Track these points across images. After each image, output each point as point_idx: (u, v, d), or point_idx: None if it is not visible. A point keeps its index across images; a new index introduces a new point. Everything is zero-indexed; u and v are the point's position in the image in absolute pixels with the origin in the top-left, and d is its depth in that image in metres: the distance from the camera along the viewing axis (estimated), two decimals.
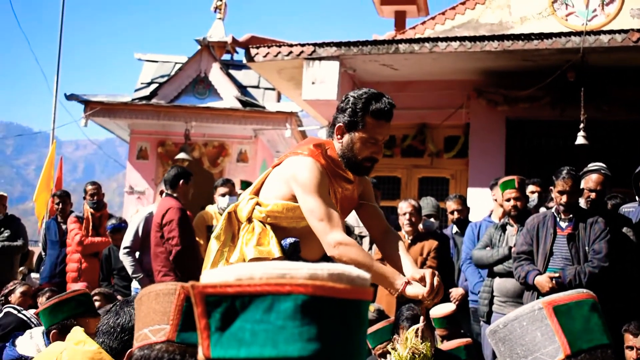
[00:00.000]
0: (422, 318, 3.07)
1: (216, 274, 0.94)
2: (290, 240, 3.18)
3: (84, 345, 2.40)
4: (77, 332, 2.53)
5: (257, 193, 3.36)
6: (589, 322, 1.68)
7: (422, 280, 2.95)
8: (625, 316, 4.84)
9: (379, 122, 3.18)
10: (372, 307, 6.22)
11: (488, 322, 6.05)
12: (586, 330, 1.67)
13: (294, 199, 3.16)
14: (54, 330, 3.64)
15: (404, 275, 3.08)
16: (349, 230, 6.94)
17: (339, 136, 3.25)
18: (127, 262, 6.78)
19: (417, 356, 2.98)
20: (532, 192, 6.65)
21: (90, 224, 8.00)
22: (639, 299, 5.29)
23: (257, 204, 3.26)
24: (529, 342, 1.68)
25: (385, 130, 3.22)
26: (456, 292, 6.73)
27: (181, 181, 6.68)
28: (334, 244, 3.02)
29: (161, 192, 6.99)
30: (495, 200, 6.73)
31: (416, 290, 2.94)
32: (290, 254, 3.17)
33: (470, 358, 5.10)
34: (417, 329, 3.02)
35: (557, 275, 5.16)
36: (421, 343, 2.98)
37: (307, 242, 3.23)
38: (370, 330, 5.15)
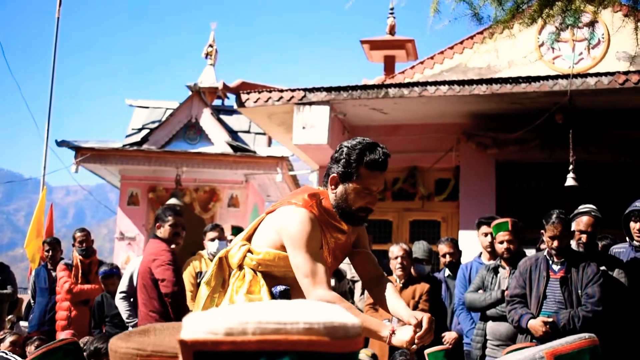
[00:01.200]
0: None
1: (203, 319, 0.93)
2: (280, 288, 3.16)
3: None
4: None
5: (249, 239, 3.34)
6: None
7: (419, 323, 2.92)
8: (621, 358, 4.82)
9: (373, 173, 3.16)
10: (367, 352, 6.17)
11: None
12: None
13: (285, 248, 3.15)
14: None
15: (400, 317, 3.07)
16: (341, 275, 6.93)
17: (332, 186, 3.23)
18: (122, 307, 6.74)
19: None
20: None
21: (80, 271, 7.93)
22: (633, 341, 5.27)
23: (249, 251, 3.24)
24: None
25: (379, 180, 3.21)
26: (449, 336, 6.68)
27: (169, 218, 6.62)
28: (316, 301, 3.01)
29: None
30: (485, 235, 6.68)
31: (401, 338, 2.91)
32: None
33: None
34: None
35: (550, 320, 5.14)
36: None
37: (299, 290, 3.21)
38: None
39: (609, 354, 4.93)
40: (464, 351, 6.54)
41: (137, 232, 13.81)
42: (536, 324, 5.16)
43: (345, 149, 3.19)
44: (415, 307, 6.59)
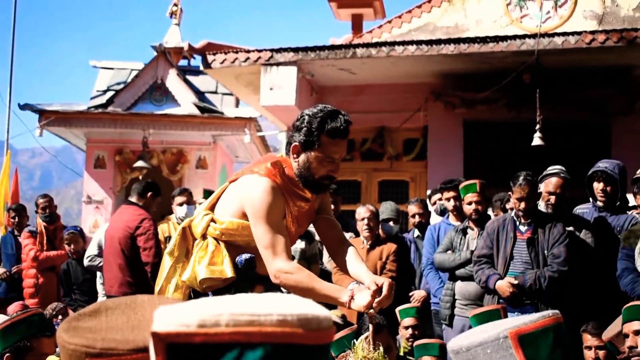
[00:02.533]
0: (370, 327, 3.05)
1: (176, 311, 0.91)
2: (245, 256, 3.16)
3: None
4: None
5: (212, 208, 3.32)
6: (553, 352, 1.68)
7: (379, 288, 2.92)
8: (584, 317, 4.91)
9: (334, 141, 3.14)
10: (337, 313, 6.22)
11: (450, 325, 6.10)
12: None
13: (247, 217, 3.14)
14: (8, 354, 3.56)
15: (362, 282, 3.08)
16: (311, 237, 6.93)
17: (295, 155, 3.20)
18: (96, 263, 6.77)
19: None
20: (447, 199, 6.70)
21: (45, 237, 7.85)
22: (597, 301, 5.36)
23: (212, 220, 3.22)
24: None
25: (341, 148, 3.18)
26: (418, 294, 6.76)
27: (150, 193, 6.68)
28: (275, 272, 3.04)
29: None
30: (447, 200, 6.72)
31: (360, 302, 2.91)
32: (246, 270, 3.15)
33: (442, 357, 5.14)
34: (367, 337, 3.01)
35: (516, 282, 5.21)
36: (373, 352, 2.96)
37: (262, 260, 3.21)
38: (334, 338, 5.16)
39: (575, 314, 5.03)
40: (431, 310, 6.62)
41: (105, 195, 13.65)
42: (503, 285, 5.22)
43: (306, 117, 3.17)
44: (382, 268, 6.65)
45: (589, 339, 4.70)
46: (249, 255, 3.16)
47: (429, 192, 8.78)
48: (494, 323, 1.80)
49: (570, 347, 1.76)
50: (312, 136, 3.13)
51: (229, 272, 3.10)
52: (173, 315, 0.90)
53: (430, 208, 7.66)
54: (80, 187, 16.85)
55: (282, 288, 3.64)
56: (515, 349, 1.66)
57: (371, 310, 2.91)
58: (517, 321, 1.73)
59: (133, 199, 6.69)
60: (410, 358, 5.56)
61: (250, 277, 3.19)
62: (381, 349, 2.98)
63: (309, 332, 0.88)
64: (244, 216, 3.15)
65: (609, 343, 4.29)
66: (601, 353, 4.56)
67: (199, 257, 3.15)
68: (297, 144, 3.18)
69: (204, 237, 3.22)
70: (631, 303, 3.86)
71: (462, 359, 1.75)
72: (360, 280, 3.11)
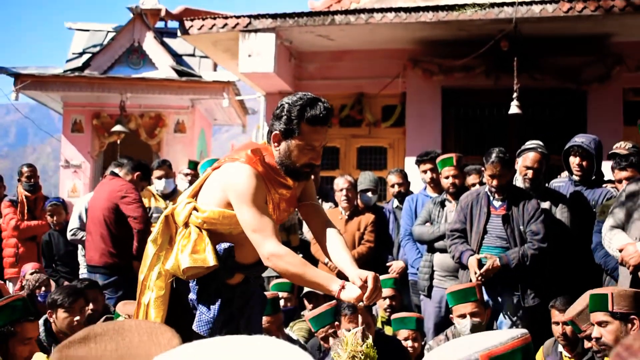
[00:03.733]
0: (360, 320, 3.12)
1: None
2: (224, 245, 3.20)
3: None
4: (38, 358, 2.51)
5: (194, 196, 3.35)
6: None
7: (364, 283, 2.98)
8: (559, 292, 5.03)
9: (315, 128, 3.16)
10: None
11: (429, 295, 6.21)
12: None
13: (230, 206, 3.17)
14: None
15: (346, 274, 3.12)
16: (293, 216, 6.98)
17: (275, 144, 3.23)
18: (79, 237, 6.81)
19: (357, 358, 3.04)
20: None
21: (25, 207, 7.85)
22: (572, 275, 5.49)
23: (195, 209, 3.25)
24: None
25: (322, 135, 3.20)
26: (396, 265, 6.84)
27: (138, 173, 6.73)
28: (267, 255, 3.07)
29: (105, 176, 6.95)
30: (424, 172, 6.77)
31: (350, 294, 2.96)
32: (225, 259, 3.19)
33: (419, 331, 5.26)
34: (357, 332, 3.07)
35: (483, 255, 5.30)
36: (361, 345, 3.03)
37: (243, 247, 3.25)
38: (313, 314, 5.26)
39: (550, 290, 5.15)
40: (409, 281, 6.72)
41: (83, 159, 13.60)
42: (472, 262, 5.32)
43: (286, 106, 3.18)
44: (360, 239, 6.73)
45: (556, 315, 4.81)
46: (228, 244, 3.20)
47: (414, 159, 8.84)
48: (464, 341, 1.87)
49: None
50: (292, 124, 3.15)
51: (211, 260, 3.14)
52: None
53: (415, 175, 7.67)
54: (56, 144, 16.75)
55: (262, 275, 3.70)
56: None
57: (361, 304, 2.96)
58: (488, 342, 1.80)
59: (120, 173, 6.70)
60: (388, 328, 5.67)
61: (229, 265, 3.24)
62: (370, 340, 3.05)
63: None
64: (227, 205, 3.18)
65: (571, 322, 4.39)
66: (568, 329, 4.66)
67: (181, 245, 3.19)
68: (277, 132, 3.21)
69: (186, 225, 3.25)
70: (596, 290, 3.94)
71: None
72: (344, 272, 3.14)
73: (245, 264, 3.33)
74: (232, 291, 3.32)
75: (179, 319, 3.22)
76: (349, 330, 3.31)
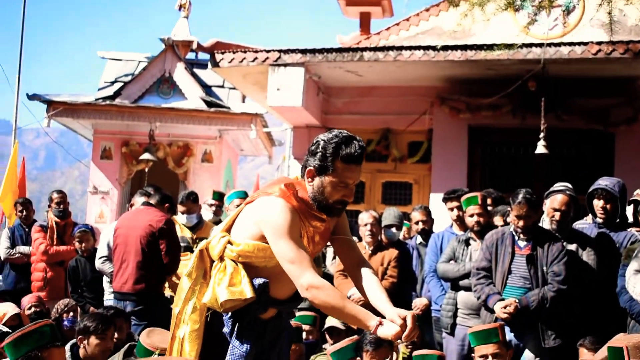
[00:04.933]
0: (395, 356, 3.16)
1: None
2: (259, 280, 3.22)
3: None
4: None
5: (228, 230, 3.40)
6: None
7: (403, 321, 2.99)
8: (586, 333, 5.02)
9: (349, 167, 3.18)
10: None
11: (452, 333, 6.19)
12: None
13: (264, 239, 3.20)
14: None
15: (383, 313, 3.15)
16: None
17: (309, 179, 3.26)
18: (106, 268, 6.87)
19: None
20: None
21: (55, 232, 7.98)
22: (600, 317, 5.46)
23: (229, 242, 3.30)
24: None
25: (356, 174, 3.23)
26: (420, 302, 6.84)
27: (167, 205, 6.85)
28: (307, 286, 3.08)
29: (132, 205, 7.05)
30: (451, 210, 6.80)
31: (388, 331, 2.99)
32: (259, 293, 3.22)
33: None
34: None
35: (512, 308, 5.30)
36: None
37: (278, 281, 3.28)
38: (335, 348, 5.27)
39: (578, 334, 5.13)
40: (432, 317, 6.72)
41: (111, 186, 13.78)
42: (498, 310, 5.33)
43: (321, 143, 3.21)
44: (384, 274, 6.75)
45: (585, 353, 4.81)
46: (262, 280, 3.24)
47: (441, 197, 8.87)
48: None
49: None
50: (327, 161, 3.18)
51: (248, 292, 3.16)
52: None
53: (438, 212, 7.71)
54: (84, 168, 16.97)
55: (294, 310, 3.72)
56: None
57: (399, 341, 2.99)
58: None
59: (152, 201, 6.81)
60: None
61: (263, 300, 3.27)
62: None
63: None
64: (261, 238, 3.21)
65: None
66: None
67: (218, 278, 3.21)
68: (311, 168, 3.24)
69: (221, 259, 3.28)
70: (612, 342, 3.93)
71: None
72: (380, 311, 3.16)
73: (279, 299, 3.36)
74: (265, 326, 3.35)
75: (213, 353, 3.25)
76: None
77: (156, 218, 6.51)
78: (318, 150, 3.21)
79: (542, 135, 8.59)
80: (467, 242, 6.24)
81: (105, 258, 6.91)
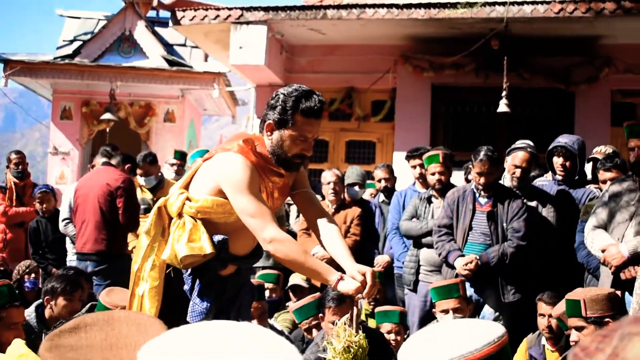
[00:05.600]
0: (355, 310, 3.17)
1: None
2: (219, 237, 3.23)
3: (27, 359, 2.42)
4: (18, 345, 2.54)
5: (186, 187, 3.38)
6: None
7: (363, 277, 3.03)
8: (545, 288, 5.10)
9: (308, 120, 3.20)
10: (302, 276, 6.36)
11: (414, 290, 6.24)
12: None
13: (222, 194, 3.20)
14: None
15: (343, 267, 3.17)
16: None
17: (268, 133, 3.27)
18: (69, 230, 6.80)
19: (352, 349, 3.10)
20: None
21: (14, 193, 7.87)
22: (553, 273, 5.56)
23: (188, 199, 3.28)
24: None
25: (315, 128, 3.25)
26: (382, 259, 6.90)
27: (128, 165, 6.76)
28: (269, 239, 3.09)
29: (94, 166, 6.98)
30: (414, 168, 6.83)
31: (348, 286, 3.03)
32: (219, 250, 3.22)
33: (402, 324, 5.31)
34: (350, 321, 3.12)
35: (472, 265, 5.35)
36: (355, 335, 3.09)
37: (237, 237, 3.29)
38: (297, 305, 5.31)
39: (537, 286, 5.22)
40: (394, 274, 6.78)
41: (71, 147, 13.57)
42: (459, 267, 5.39)
43: (281, 96, 3.23)
44: (346, 231, 6.79)
45: (543, 307, 4.89)
46: (222, 236, 3.23)
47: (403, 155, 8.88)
48: (441, 338, 1.90)
49: None
50: (286, 115, 3.19)
51: (207, 248, 3.16)
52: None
53: (402, 171, 7.74)
54: (45, 130, 16.70)
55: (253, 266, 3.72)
56: None
57: (359, 296, 3.02)
58: (463, 349, 1.83)
59: (113, 162, 6.74)
60: (372, 320, 5.73)
61: (223, 257, 3.27)
62: (361, 332, 3.10)
63: None
64: (219, 193, 3.21)
65: (558, 319, 4.47)
66: (553, 322, 4.74)
67: (177, 235, 3.20)
68: (271, 122, 3.25)
69: (180, 215, 3.27)
70: (571, 295, 4.01)
71: None
72: (341, 264, 3.19)
73: (238, 256, 3.37)
74: (225, 282, 3.36)
75: (173, 309, 3.25)
76: (335, 323, 3.37)
77: (114, 177, 6.47)
78: (278, 104, 3.22)
79: (504, 94, 8.63)
80: (429, 200, 6.28)
81: (67, 220, 6.85)
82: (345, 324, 3.12)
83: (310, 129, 3.24)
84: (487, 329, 1.90)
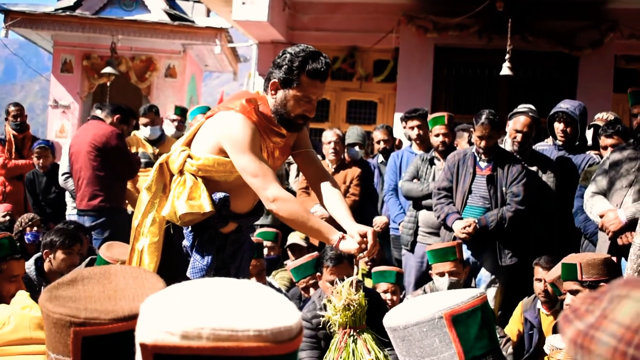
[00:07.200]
0: (355, 270, 3.21)
1: (160, 316, 1.02)
2: (220, 195, 3.24)
3: (31, 311, 2.45)
4: (22, 297, 2.56)
5: (188, 144, 3.38)
6: (481, 330, 1.86)
7: (363, 237, 3.06)
8: (543, 253, 5.14)
9: (314, 82, 3.21)
10: (301, 235, 6.39)
11: (412, 250, 6.27)
12: (479, 338, 1.85)
13: (224, 153, 3.20)
14: None
15: (344, 227, 3.20)
16: None
17: (273, 92, 3.27)
18: (69, 186, 6.80)
19: (352, 307, 3.14)
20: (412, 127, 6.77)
21: (13, 146, 7.86)
22: (547, 239, 5.59)
23: (189, 156, 3.29)
24: (427, 346, 1.87)
25: (319, 90, 3.26)
26: (380, 220, 6.92)
27: (117, 116, 6.67)
28: (272, 198, 3.12)
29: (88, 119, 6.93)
30: (412, 129, 6.78)
31: (349, 246, 3.06)
32: (220, 208, 3.24)
33: (399, 285, 5.37)
34: (352, 282, 3.17)
35: (471, 228, 5.37)
36: (355, 294, 3.13)
37: (237, 196, 3.30)
38: (295, 264, 5.35)
39: (534, 253, 5.26)
40: (390, 235, 6.81)
41: (72, 100, 13.53)
42: (458, 228, 5.41)
43: (288, 55, 3.23)
44: (346, 191, 6.80)
45: (539, 272, 4.94)
46: (223, 194, 3.25)
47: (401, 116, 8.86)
48: (427, 300, 1.96)
49: (493, 325, 1.94)
50: (292, 74, 3.20)
51: (207, 206, 3.17)
52: (157, 322, 1.02)
53: (403, 132, 7.72)
54: (45, 83, 16.61)
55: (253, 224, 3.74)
56: (449, 328, 1.84)
57: (361, 255, 3.05)
58: (449, 301, 1.89)
59: (101, 115, 6.68)
60: (368, 280, 5.77)
61: (224, 214, 3.29)
62: (361, 292, 3.13)
63: (280, 344, 1.01)
64: (221, 152, 3.22)
65: (551, 284, 4.51)
66: (549, 286, 4.79)
67: (177, 192, 3.22)
68: (276, 80, 3.25)
69: (181, 172, 3.28)
70: (567, 259, 4.04)
71: (398, 335, 1.91)
72: (341, 224, 3.22)
73: (239, 213, 3.39)
74: (225, 239, 3.39)
75: (172, 265, 3.29)
76: (333, 283, 3.40)
77: (100, 132, 6.43)
78: (284, 63, 3.22)
79: (507, 56, 8.58)
80: (431, 162, 6.27)
81: (67, 175, 6.84)
82: (351, 284, 3.16)
83: (315, 90, 3.25)
84: (468, 290, 1.98)
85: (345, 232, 3.15)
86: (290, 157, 3.74)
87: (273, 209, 3.14)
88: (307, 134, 3.66)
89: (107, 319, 1.41)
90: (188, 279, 3.20)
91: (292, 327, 1.03)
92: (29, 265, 4.81)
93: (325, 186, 3.42)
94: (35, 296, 3.13)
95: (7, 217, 6.58)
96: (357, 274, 3.25)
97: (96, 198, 6.38)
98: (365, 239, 3.05)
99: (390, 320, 1.95)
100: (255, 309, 1.05)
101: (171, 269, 3.23)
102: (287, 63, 3.21)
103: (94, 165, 6.39)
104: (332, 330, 3.51)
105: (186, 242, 3.30)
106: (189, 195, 3.20)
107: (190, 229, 3.28)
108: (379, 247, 3.13)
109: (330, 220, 3.38)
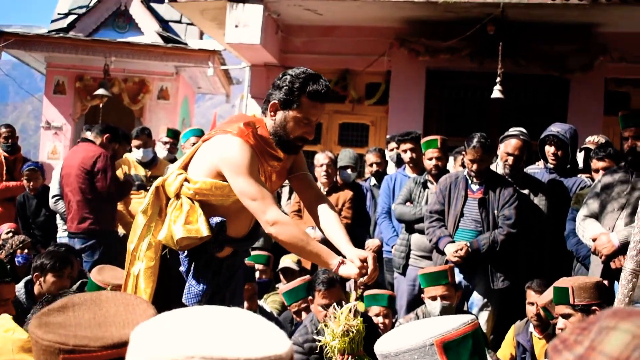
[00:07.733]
0: (354, 295, 3.20)
1: (150, 343, 1.01)
2: (217, 219, 3.23)
3: (14, 334, 2.43)
4: (5, 320, 2.54)
5: (185, 168, 3.37)
6: (472, 356, 1.86)
7: (364, 261, 3.05)
8: (535, 276, 5.14)
9: (314, 103, 3.23)
10: (293, 258, 6.37)
11: (403, 274, 6.28)
12: None
13: (221, 177, 3.19)
14: None
15: (340, 248, 3.19)
16: None
17: (272, 113, 3.28)
18: (59, 208, 6.78)
19: (350, 332, 3.13)
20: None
21: (4, 168, 7.83)
22: (539, 262, 5.60)
23: (186, 180, 3.27)
24: None
25: (319, 111, 3.28)
26: (372, 243, 6.92)
27: (107, 135, 6.67)
28: (271, 222, 3.11)
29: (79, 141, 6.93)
30: (404, 152, 6.81)
31: (350, 271, 3.05)
32: (217, 232, 3.22)
33: (391, 308, 5.35)
34: (350, 308, 3.16)
35: (463, 252, 5.37)
36: (353, 319, 3.12)
37: (234, 220, 3.29)
38: (287, 288, 5.33)
39: (526, 276, 5.26)
40: (383, 258, 6.81)
41: (64, 121, 13.51)
42: (450, 251, 5.41)
43: (288, 77, 3.25)
44: (338, 214, 6.80)
45: (532, 295, 4.93)
46: (220, 218, 3.23)
47: (388, 136, 8.87)
48: (418, 327, 1.96)
49: (484, 350, 1.94)
50: (293, 95, 3.22)
51: (204, 230, 3.16)
52: (146, 349, 1.01)
53: (388, 155, 7.76)
54: (37, 103, 16.60)
55: (248, 250, 3.73)
56: (440, 355, 1.83)
57: (362, 279, 3.05)
58: (441, 328, 1.88)
59: (90, 136, 6.68)
60: (360, 304, 5.76)
61: (220, 239, 3.27)
62: (360, 318, 3.12)
63: None
64: (218, 175, 3.21)
65: (544, 308, 4.51)
66: (542, 310, 4.78)
67: (174, 216, 3.20)
68: (276, 101, 3.26)
69: (177, 196, 3.27)
70: (559, 283, 4.05)
71: None
72: (340, 250, 3.21)
73: (235, 238, 3.37)
74: (221, 264, 3.38)
75: (168, 290, 3.27)
76: (325, 307, 3.38)
77: (89, 155, 6.44)
78: (284, 84, 3.24)
79: (498, 79, 8.62)
80: (424, 185, 6.28)
81: (58, 197, 6.82)
82: (349, 310, 3.15)
83: (315, 112, 3.27)
84: (460, 317, 1.97)
85: (343, 256, 3.14)
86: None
87: (272, 232, 3.13)
88: (303, 157, 3.66)
89: (96, 346, 1.40)
90: (183, 303, 3.20)
91: (282, 356, 1.03)
92: (19, 288, 4.78)
93: (323, 209, 3.41)
94: (24, 318, 3.11)
95: (10, 234, 6.55)
96: (356, 299, 3.24)
97: (86, 221, 6.38)
98: (365, 264, 3.05)
99: (381, 346, 1.94)
100: (246, 337, 1.04)
101: (167, 293, 3.22)
102: (288, 84, 3.22)
103: (82, 188, 6.39)
104: (328, 356, 3.49)
105: (182, 268, 3.28)
106: (186, 220, 3.18)
107: (186, 253, 3.27)
108: (378, 271, 3.12)
109: (326, 243, 3.37)
